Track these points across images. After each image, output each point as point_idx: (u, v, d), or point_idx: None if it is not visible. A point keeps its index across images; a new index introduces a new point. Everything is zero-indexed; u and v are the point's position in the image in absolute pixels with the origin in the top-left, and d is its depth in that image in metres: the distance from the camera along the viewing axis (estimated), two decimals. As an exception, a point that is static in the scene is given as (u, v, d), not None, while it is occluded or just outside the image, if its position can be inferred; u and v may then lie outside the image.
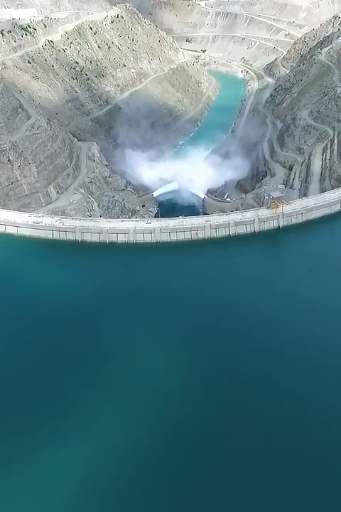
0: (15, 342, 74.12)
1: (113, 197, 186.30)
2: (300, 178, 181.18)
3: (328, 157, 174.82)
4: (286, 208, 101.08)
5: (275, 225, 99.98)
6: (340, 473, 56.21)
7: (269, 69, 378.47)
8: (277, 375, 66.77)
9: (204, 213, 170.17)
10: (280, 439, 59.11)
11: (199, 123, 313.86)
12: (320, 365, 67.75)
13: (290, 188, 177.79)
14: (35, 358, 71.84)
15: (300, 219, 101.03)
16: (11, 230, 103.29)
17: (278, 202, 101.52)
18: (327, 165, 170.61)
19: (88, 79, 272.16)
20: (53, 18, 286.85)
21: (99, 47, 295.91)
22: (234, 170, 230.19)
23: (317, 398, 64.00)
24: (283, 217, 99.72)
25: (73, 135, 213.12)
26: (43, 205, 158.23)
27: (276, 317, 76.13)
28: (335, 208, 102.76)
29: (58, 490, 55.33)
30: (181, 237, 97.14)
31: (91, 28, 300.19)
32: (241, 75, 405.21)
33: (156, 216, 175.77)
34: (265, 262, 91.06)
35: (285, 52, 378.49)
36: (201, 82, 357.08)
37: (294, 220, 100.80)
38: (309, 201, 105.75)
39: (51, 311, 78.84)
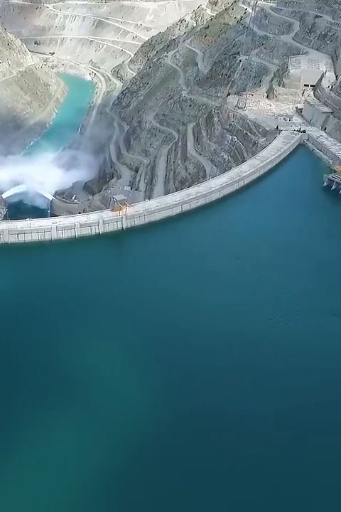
0: None
1: None
2: (146, 180, 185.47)
3: (172, 159, 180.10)
4: (129, 210, 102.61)
5: (119, 226, 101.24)
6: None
7: (117, 71, 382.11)
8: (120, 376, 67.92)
9: (53, 215, 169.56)
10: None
11: (47, 125, 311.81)
12: (163, 361, 69.66)
13: (136, 189, 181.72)
14: None
15: (143, 221, 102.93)
16: None
17: (122, 204, 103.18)
18: (172, 167, 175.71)
19: None
20: None
21: None
22: (82, 171, 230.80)
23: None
24: (126, 219, 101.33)
25: None
26: None
27: (118, 315, 77.83)
28: (176, 211, 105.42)
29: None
30: (28, 238, 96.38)
31: None
32: (89, 78, 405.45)
33: (5, 218, 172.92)
34: (107, 263, 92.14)
35: (132, 55, 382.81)
36: (49, 85, 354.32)
37: (137, 222, 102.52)
38: (151, 204, 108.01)
39: None
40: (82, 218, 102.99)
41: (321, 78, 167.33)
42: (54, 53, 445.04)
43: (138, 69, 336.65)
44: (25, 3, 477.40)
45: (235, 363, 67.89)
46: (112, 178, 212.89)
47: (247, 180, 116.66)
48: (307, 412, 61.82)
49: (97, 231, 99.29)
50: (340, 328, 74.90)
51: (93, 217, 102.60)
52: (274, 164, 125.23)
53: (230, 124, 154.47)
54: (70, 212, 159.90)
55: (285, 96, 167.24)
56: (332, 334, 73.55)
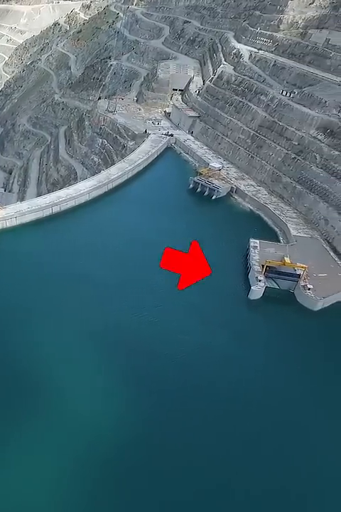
0: None
1: None
2: (19, 182, 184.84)
3: (45, 162, 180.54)
4: (1, 212, 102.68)
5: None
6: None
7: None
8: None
9: None
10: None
11: None
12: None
13: (9, 191, 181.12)
14: None
15: (14, 222, 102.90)
16: None
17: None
18: (44, 169, 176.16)
19: None
20: None
21: None
22: None
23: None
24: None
25: None
26: None
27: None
28: (47, 212, 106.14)
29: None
30: None
31: None
32: None
33: None
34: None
35: (7, 58, 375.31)
36: None
37: (9, 224, 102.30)
38: (22, 206, 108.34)
39: None
40: None
41: (189, 83, 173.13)
42: None
43: (12, 72, 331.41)
44: None
45: (95, 357, 71.00)
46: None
47: (116, 183, 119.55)
48: (155, 397, 65.84)
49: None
50: (186, 320, 79.87)
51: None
52: (142, 167, 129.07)
53: (101, 128, 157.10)
54: None
55: (154, 100, 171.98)
56: (181, 326, 78.34)
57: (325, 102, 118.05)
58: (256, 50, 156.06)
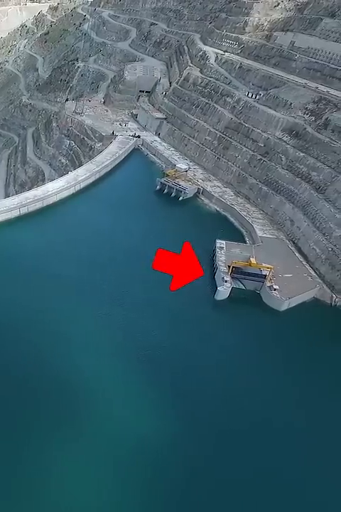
0: None
1: None
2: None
3: (13, 163, 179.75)
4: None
5: None
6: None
7: None
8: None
9: None
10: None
11: None
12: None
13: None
14: None
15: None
16: None
17: None
18: (12, 171, 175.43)
19: None
20: None
21: None
22: None
23: None
24: None
25: None
26: None
27: None
28: (15, 213, 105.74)
29: None
30: None
31: None
32: None
33: None
34: None
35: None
36: None
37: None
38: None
39: None
40: None
41: (156, 85, 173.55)
42: None
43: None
44: None
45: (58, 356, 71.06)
46: None
47: (83, 184, 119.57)
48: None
49: None
50: (150, 320, 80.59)
51: None
52: (110, 168, 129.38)
53: (68, 129, 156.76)
54: None
55: (121, 102, 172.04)
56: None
57: (291, 103, 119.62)
58: (222, 52, 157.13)
